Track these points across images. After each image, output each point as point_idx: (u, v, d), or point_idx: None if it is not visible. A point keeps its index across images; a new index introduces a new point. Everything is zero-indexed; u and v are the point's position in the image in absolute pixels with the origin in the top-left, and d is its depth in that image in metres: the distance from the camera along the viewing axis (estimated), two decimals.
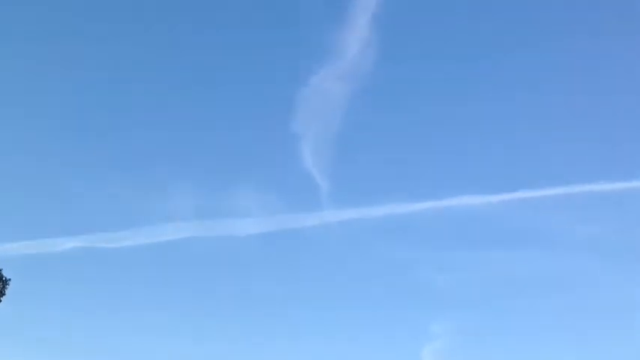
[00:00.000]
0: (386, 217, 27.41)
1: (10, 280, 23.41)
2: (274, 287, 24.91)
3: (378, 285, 27.36)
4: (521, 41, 23.97)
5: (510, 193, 28.96)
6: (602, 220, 27.73)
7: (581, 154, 27.56)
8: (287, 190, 24.66)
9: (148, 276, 23.33)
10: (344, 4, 23.20)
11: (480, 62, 25.37)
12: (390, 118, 26.49)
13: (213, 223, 23.95)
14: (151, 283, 23.46)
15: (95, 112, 23.63)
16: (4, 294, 23.07)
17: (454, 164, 27.12)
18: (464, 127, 27.13)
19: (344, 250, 26.03)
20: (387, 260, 27.25)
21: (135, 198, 22.69)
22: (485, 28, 24.24)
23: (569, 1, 24.65)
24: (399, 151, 27.25)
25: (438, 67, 25.65)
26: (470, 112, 26.57)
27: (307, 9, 23.59)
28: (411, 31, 25.09)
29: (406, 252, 27.50)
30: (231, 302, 24.29)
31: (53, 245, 25.71)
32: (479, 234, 28.92)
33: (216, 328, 23.65)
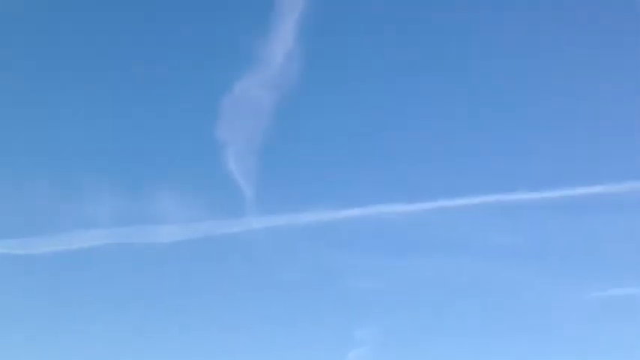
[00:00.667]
0: (311, 224, 27.64)
1: None
2: (198, 295, 24.66)
3: (303, 291, 27.53)
4: (456, 53, 24.49)
5: (432, 202, 29.42)
6: (518, 229, 28.71)
7: (500, 164, 28.46)
8: (211, 197, 24.51)
9: (61, 285, 22.77)
10: (268, 12, 23.27)
11: (403, 72, 25.84)
12: (315, 126, 26.77)
13: (133, 229, 23.51)
14: (65, 292, 22.88)
15: (4, 109, 23.05)
16: None
17: (378, 172, 27.66)
18: (388, 135, 27.68)
19: (269, 257, 26.08)
20: (312, 267, 27.50)
21: (49, 202, 22.10)
22: (410, 40, 24.76)
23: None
24: (325, 158, 27.55)
25: (362, 76, 26.11)
26: (393, 119, 27.14)
27: (231, 15, 23.55)
28: (336, 40, 25.43)
29: (332, 259, 27.76)
30: (151, 311, 23.88)
31: None
32: (403, 241, 29.44)
33: (134, 337, 23.19)
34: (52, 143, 26.07)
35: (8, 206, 24.61)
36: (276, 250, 27.01)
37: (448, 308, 28.93)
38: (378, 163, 30.01)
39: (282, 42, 25.53)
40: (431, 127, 29.76)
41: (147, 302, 25.02)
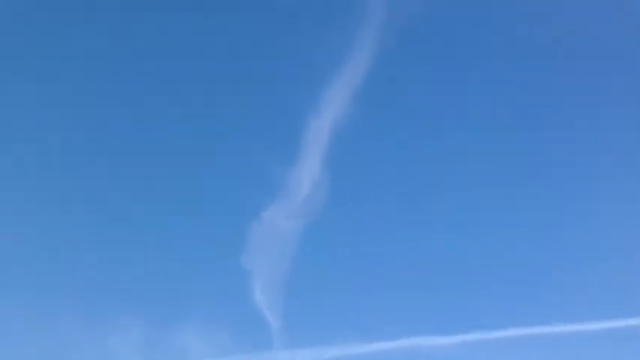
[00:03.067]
0: (339, 358, 26.68)
1: None
2: None
3: None
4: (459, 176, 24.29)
5: (466, 334, 28.39)
6: None
7: (536, 295, 27.61)
8: (237, 329, 23.86)
9: None
10: (296, 143, 23.68)
11: (430, 201, 25.77)
12: (342, 255, 26.48)
13: None
14: None
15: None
16: None
17: (408, 303, 26.96)
18: (417, 265, 27.20)
19: None
20: None
21: (75, 336, 21.61)
22: (431, 177, 24.97)
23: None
24: (352, 289, 27.00)
25: (387, 209, 26.07)
26: (422, 249, 26.73)
27: (259, 146, 23.98)
28: (361, 172, 25.67)
29: None
30: None
31: None
32: None
33: None
34: (80, 274, 25.88)
35: (36, 339, 24.18)
36: None
37: None
38: (407, 294, 29.22)
39: (308, 173, 25.61)
40: (461, 255, 29.12)
41: None
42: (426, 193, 27.24)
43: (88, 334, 24.88)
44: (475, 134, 26.47)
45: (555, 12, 25.33)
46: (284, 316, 26.21)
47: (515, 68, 26.59)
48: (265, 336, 25.96)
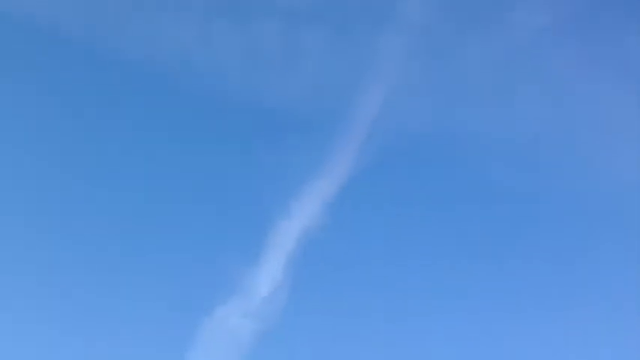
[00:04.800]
0: None
1: None
2: None
3: None
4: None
5: None
6: None
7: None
8: None
9: None
10: (260, 245, 23.36)
11: (391, 303, 25.27)
12: None
13: None
14: None
15: None
16: None
17: None
18: None
19: None
20: None
21: None
22: (400, 279, 24.51)
23: None
24: None
25: (350, 318, 25.45)
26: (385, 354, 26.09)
27: (221, 244, 23.61)
28: (325, 278, 25.18)
29: None
30: None
31: None
32: None
33: None
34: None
35: None
36: None
37: None
38: None
39: (269, 273, 25.28)
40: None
41: None
42: (391, 306, 26.97)
43: None
44: (444, 252, 26.53)
45: None
46: None
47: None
48: None
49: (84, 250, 26.37)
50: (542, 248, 27.45)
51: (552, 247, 27.46)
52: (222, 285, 25.61)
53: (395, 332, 27.28)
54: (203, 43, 27.65)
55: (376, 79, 26.40)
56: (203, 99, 27.67)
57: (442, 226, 27.49)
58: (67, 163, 26.88)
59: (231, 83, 27.44)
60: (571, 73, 27.47)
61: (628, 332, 25.69)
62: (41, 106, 27.22)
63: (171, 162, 27.19)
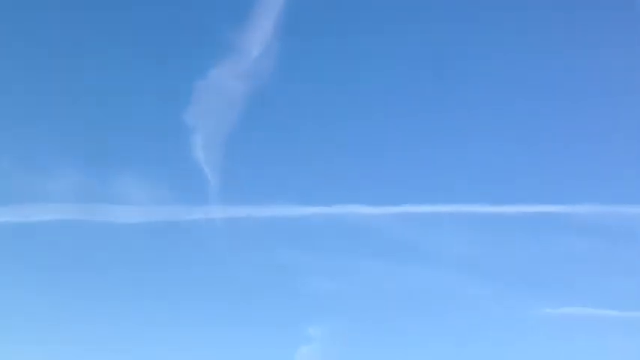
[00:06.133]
0: (273, 218, 27.46)
1: None
2: (149, 279, 24.48)
3: (257, 285, 27.49)
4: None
5: (395, 207, 29.59)
6: (477, 241, 29.08)
7: (468, 175, 28.80)
8: (174, 182, 24.29)
9: (14, 255, 22.37)
10: (249, 4, 23.24)
11: (377, 71, 25.93)
12: (286, 120, 26.75)
13: (92, 207, 23.19)
14: (18, 262, 22.47)
15: None
16: None
17: (346, 172, 27.80)
18: (359, 136, 27.86)
19: (227, 247, 25.91)
20: (270, 261, 27.39)
21: (7, 173, 21.73)
22: (385, 40, 24.81)
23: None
24: (293, 154, 27.58)
25: (336, 75, 26.15)
26: (366, 120, 27.30)
27: (211, 5, 23.41)
28: (314, 37, 25.42)
29: (289, 255, 27.71)
30: (98, 288, 23.56)
31: None
32: (363, 243, 29.55)
33: (78, 310, 22.85)
34: (15, 112, 25.73)
35: None
36: (234, 241, 26.94)
37: (400, 313, 29.21)
38: (347, 162, 30.12)
39: (260, 35, 25.52)
40: (404, 131, 29.90)
41: (97, 278, 24.74)
42: (376, 60, 27.44)
43: (20, 171, 25.08)
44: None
45: None
46: (222, 174, 26.79)
47: None
48: (202, 191, 26.62)
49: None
50: None
51: None
52: (214, 47, 26.00)
53: (379, 100, 28.34)
54: None
55: None
56: None
57: None
58: None
59: None
60: None
61: None
62: None
63: None
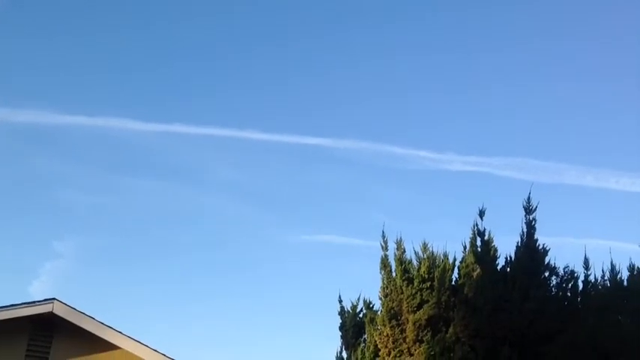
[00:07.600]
0: (31, 125, 26.41)
1: None
2: None
3: (8, 195, 26.87)
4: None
5: (167, 125, 29.29)
6: (246, 166, 29.70)
7: (242, 99, 29.24)
8: None
9: None
10: None
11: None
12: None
13: None
14: None
15: None
16: None
17: (123, 83, 27.40)
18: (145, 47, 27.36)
19: None
20: (23, 170, 26.71)
21: None
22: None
23: None
24: (49, 59, 26.97)
25: None
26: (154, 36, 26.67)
27: None
28: None
29: (48, 165, 27.12)
30: None
31: None
32: (130, 159, 29.42)
33: None
34: None
35: None
36: None
37: (163, 234, 29.11)
38: (125, 73, 29.06)
39: None
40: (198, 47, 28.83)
41: None
42: None
43: None
44: None
45: None
46: None
47: None
48: None
49: None
50: None
51: None
52: None
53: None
54: None
55: None
56: None
57: None
58: None
59: None
60: None
61: None
62: None
63: None
